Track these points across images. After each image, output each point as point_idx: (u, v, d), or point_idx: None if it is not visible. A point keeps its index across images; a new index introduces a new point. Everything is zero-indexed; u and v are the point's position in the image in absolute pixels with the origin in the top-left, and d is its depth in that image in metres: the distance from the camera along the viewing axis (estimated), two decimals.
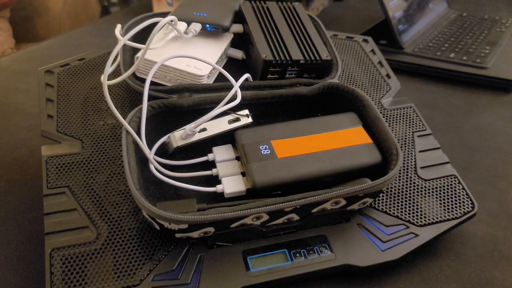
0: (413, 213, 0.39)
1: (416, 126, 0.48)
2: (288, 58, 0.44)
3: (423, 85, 0.67)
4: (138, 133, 0.37)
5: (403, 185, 0.41)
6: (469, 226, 0.41)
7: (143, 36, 0.42)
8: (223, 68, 0.46)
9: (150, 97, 0.39)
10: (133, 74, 0.43)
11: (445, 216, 0.39)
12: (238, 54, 0.50)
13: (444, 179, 0.42)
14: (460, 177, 0.42)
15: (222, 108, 0.37)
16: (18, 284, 0.35)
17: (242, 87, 0.41)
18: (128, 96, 0.46)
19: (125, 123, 0.36)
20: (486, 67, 0.68)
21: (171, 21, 0.43)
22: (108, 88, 0.36)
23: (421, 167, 0.43)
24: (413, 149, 0.45)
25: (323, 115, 0.41)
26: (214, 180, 0.37)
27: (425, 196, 0.40)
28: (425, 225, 0.38)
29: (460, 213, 0.39)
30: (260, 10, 0.50)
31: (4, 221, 0.40)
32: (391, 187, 0.41)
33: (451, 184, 0.42)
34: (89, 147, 0.40)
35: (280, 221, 0.34)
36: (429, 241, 0.37)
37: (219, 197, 0.37)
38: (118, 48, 0.36)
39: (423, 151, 0.45)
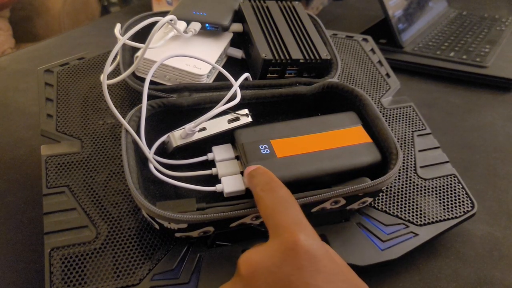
0: (413, 212, 0.39)
1: (415, 125, 0.48)
2: (287, 57, 0.44)
3: (423, 84, 0.67)
4: (138, 133, 0.37)
5: (402, 185, 0.41)
6: (469, 225, 0.41)
7: (142, 36, 0.42)
8: (222, 67, 0.46)
9: (150, 97, 0.39)
10: (133, 74, 0.43)
11: (444, 216, 0.39)
12: (238, 53, 0.50)
13: (443, 179, 0.42)
14: (459, 176, 0.42)
15: (222, 108, 0.36)
16: (18, 284, 0.35)
17: (241, 87, 0.41)
18: (128, 95, 0.46)
19: (124, 122, 0.36)
20: (486, 66, 0.68)
21: (171, 20, 0.43)
22: (107, 88, 0.36)
23: (421, 167, 0.43)
24: (412, 149, 0.45)
25: (322, 114, 0.41)
26: (214, 179, 0.37)
27: (424, 196, 0.40)
28: (424, 224, 0.38)
29: (460, 212, 0.39)
30: (259, 9, 0.50)
31: (4, 220, 0.40)
32: (391, 187, 0.41)
33: (450, 184, 0.42)
34: (88, 146, 0.40)
35: None
36: (428, 240, 0.37)
37: (218, 197, 0.37)
38: (117, 47, 0.36)
39: (422, 151, 0.45)
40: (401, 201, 0.39)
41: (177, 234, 0.33)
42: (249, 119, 0.39)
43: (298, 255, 0.22)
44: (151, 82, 0.39)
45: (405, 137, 0.46)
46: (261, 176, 0.29)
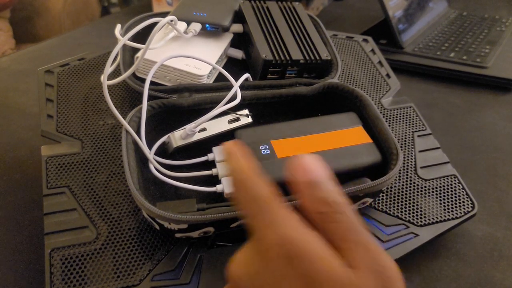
0: (413, 213, 0.38)
1: (416, 125, 0.48)
2: (288, 58, 0.44)
3: (423, 84, 0.67)
4: (138, 133, 0.37)
5: (403, 185, 0.41)
6: (469, 226, 0.41)
7: (143, 36, 0.42)
8: (223, 68, 0.45)
9: (150, 97, 0.39)
10: (133, 74, 0.43)
11: (445, 216, 0.38)
12: (238, 54, 0.50)
13: (444, 179, 0.42)
14: (460, 176, 0.42)
15: (222, 108, 0.37)
16: (18, 284, 0.35)
17: (242, 87, 0.41)
18: (128, 96, 0.46)
19: (125, 123, 0.36)
20: (486, 66, 0.68)
21: (171, 21, 0.43)
22: (108, 88, 0.36)
23: (421, 167, 0.43)
24: (413, 149, 0.45)
25: (323, 115, 0.41)
26: (214, 180, 0.37)
27: (425, 196, 0.40)
28: (425, 225, 0.38)
29: (460, 213, 0.39)
30: (260, 10, 0.50)
31: (4, 221, 0.40)
32: (391, 187, 0.41)
33: (451, 184, 0.42)
34: (89, 147, 0.40)
35: None
36: (429, 241, 0.37)
37: (219, 197, 0.37)
38: (118, 48, 0.36)
39: (423, 151, 0.45)
40: (402, 201, 0.39)
41: (178, 235, 0.33)
42: (250, 119, 0.39)
43: (267, 254, 0.19)
44: (152, 83, 0.39)
45: (406, 138, 0.46)
46: (232, 161, 0.23)
